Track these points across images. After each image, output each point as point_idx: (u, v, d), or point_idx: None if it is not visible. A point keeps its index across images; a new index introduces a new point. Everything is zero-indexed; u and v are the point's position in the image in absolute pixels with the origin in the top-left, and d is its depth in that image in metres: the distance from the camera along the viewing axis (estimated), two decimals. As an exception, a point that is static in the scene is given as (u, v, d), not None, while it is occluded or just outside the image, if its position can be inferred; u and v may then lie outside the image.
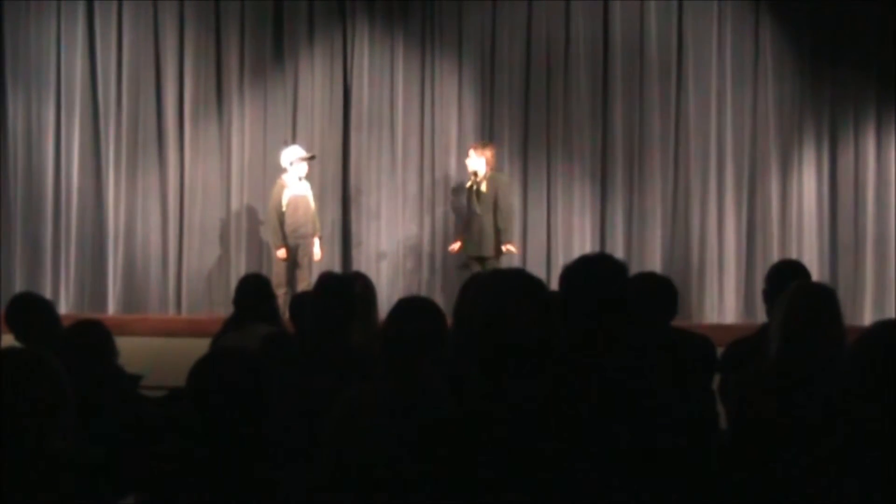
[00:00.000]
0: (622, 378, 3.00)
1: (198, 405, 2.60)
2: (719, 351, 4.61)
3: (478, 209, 10.34)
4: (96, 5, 11.48)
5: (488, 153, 10.41)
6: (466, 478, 2.65)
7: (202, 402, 2.60)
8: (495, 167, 10.48)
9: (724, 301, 11.17)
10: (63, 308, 10.92)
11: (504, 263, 10.15)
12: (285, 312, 6.10)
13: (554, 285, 3.29)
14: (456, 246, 10.71)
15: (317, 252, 10.64)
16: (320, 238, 10.73)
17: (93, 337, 4.30)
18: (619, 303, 3.22)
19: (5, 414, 2.41)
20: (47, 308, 4.97)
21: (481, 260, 10.26)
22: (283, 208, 10.40)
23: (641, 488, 2.70)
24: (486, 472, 2.62)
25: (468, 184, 10.55)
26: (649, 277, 4.70)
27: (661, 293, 4.54)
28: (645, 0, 11.23)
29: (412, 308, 3.40)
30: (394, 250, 11.44)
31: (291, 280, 10.47)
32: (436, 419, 2.79)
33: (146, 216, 11.50)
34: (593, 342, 3.25)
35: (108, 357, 4.31)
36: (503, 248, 10.31)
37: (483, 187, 10.35)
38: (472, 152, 10.47)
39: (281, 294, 9.15)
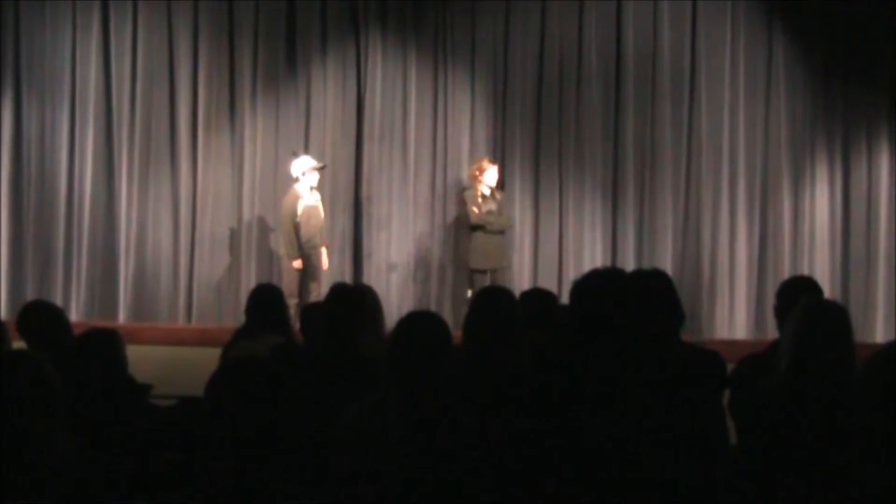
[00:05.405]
0: (629, 391, 3.00)
1: (214, 415, 2.60)
2: (729, 367, 4.59)
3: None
4: (111, 14, 11.52)
5: None
6: (473, 487, 2.65)
7: (219, 412, 2.60)
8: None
9: (734, 317, 11.14)
10: (73, 316, 10.91)
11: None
12: (296, 323, 6.09)
13: (564, 299, 3.30)
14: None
15: (324, 262, 10.64)
16: (327, 248, 10.74)
17: (104, 346, 4.30)
18: (628, 316, 3.22)
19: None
20: (59, 316, 4.96)
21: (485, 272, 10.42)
22: (298, 218, 10.39)
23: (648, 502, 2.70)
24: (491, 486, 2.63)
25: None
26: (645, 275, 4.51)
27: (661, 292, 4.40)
28: (658, 14, 11.24)
29: (417, 324, 3.39)
30: (404, 261, 11.44)
31: (302, 290, 10.47)
32: (443, 432, 2.80)
33: (158, 224, 11.51)
34: (602, 355, 3.25)
35: (118, 366, 4.31)
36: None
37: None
38: (494, 169, 10.54)
39: (292, 304, 9.15)
